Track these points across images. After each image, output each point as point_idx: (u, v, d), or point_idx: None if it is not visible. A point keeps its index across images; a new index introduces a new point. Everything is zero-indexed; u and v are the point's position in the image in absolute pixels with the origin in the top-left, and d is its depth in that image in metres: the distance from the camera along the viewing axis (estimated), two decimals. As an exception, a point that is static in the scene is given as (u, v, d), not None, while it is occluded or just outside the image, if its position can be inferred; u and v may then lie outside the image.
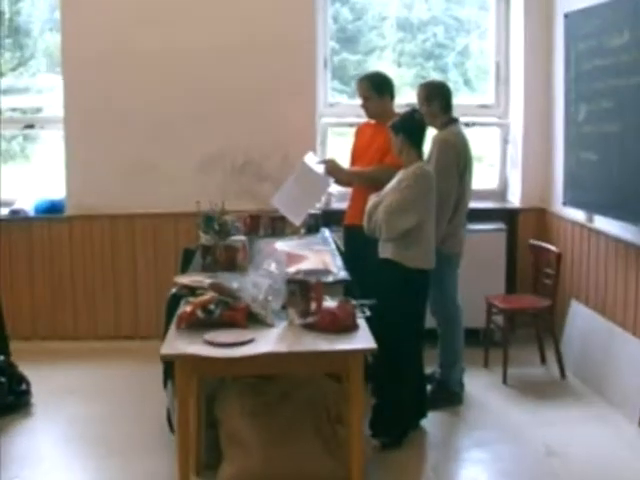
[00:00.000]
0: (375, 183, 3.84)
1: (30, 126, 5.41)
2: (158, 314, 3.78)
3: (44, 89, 5.45)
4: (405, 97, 5.00)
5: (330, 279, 3.36)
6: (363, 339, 2.85)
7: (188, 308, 2.95)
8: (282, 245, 3.87)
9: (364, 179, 4.14)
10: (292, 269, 3.32)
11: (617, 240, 4.17)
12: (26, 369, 4.19)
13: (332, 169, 4.17)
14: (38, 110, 5.47)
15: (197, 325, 2.89)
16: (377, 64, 5.46)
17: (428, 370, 4.02)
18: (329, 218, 4.71)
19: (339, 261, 3.71)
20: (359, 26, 5.60)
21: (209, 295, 3.00)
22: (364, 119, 4.39)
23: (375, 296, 3.18)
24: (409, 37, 5.62)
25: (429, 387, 4.05)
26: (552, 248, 4.60)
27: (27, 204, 5.24)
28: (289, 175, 4.30)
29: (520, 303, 4.66)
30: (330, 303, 3.00)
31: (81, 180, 5.13)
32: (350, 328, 2.91)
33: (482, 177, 5.21)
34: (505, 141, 5.42)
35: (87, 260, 5.19)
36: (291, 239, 4.15)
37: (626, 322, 4.08)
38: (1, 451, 3.56)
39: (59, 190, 5.23)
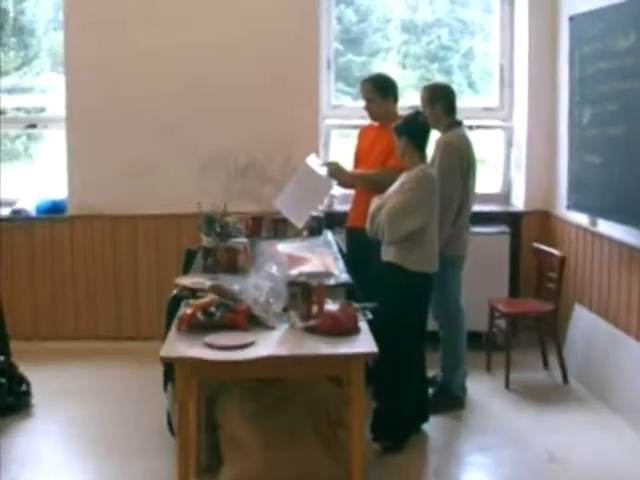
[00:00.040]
0: (378, 186, 3.82)
1: (32, 126, 5.41)
2: (159, 315, 3.76)
3: (48, 89, 5.45)
4: (409, 99, 4.99)
5: (332, 282, 3.34)
6: (364, 343, 2.83)
7: (188, 310, 2.94)
8: (284, 247, 3.85)
9: (367, 182, 4.13)
10: (294, 271, 3.31)
11: (621, 244, 4.15)
12: (27, 369, 4.18)
13: (335, 171, 4.15)
14: (42, 110, 5.47)
15: (197, 327, 2.87)
16: (382, 66, 5.45)
17: (430, 373, 4.01)
18: (332, 220, 4.70)
19: (341, 264, 3.70)
20: (364, 28, 5.59)
21: (210, 297, 2.99)
22: (368, 121, 4.37)
23: (377, 299, 3.16)
24: (414, 39, 5.61)
25: (431, 390, 4.03)
26: (555, 252, 4.57)
27: (29, 204, 5.23)
28: (292, 177, 4.28)
29: (523, 307, 4.64)
30: (332, 306, 2.98)
31: (83, 180, 5.12)
32: (351, 331, 2.89)
33: (486, 180, 5.19)
34: (509, 144, 5.40)
35: (88, 260, 5.18)
36: (293, 241, 4.13)
37: (629, 327, 4.06)
38: (1, 452, 3.56)
39: (62, 190, 5.23)
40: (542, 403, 4.18)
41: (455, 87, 4.37)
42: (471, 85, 5.62)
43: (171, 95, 5.06)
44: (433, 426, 3.84)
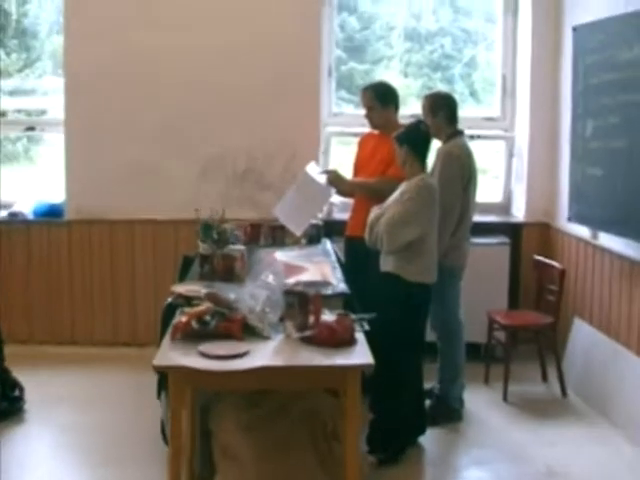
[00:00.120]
0: (377, 195, 3.80)
1: (31, 128, 5.39)
2: (156, 321, 3.71)
3: (49, 91, 5.44)
4: (411, 108, 4.97)
5: (329, 292, 3.30)
6: (361, 354, 2.79)
7: (183, 318, 2.90)
8: (282, 255, 3.82)
9: (366, 190, 4.10)
10: (291, 280, 3.27)
11: (622, 257, 4.12)
12: (21, 374, 4.14)
13: (334, 179, 4.13)
14: (43, 112, 5.46)
15: (192, 336, 2.83)
16: (384, 74, 5.43)
17: (427, 385, 3.97)
18: (330, 229, 4.67)
19: (339, 273, 3.66)
20: (367, 35, 5.57)
21: (205, 305, 2.96)
22: (368, 129, 4.34)
23: (375, 310, 3.13)
24: (416, 47, 5.59)
25: (428, 402, 3.99)
26: (556, 264, 4.54)
27: (26, 207, 5.21)
28: (291, 184, 4.26)
29: (522, 319, 4.60)
30: (328, 316, 2.94)
31: (81, 184, 5.09)
32: (348, 343, 2.85)
33: (486, 190, 5.16)
34: (510, 154, 5.37)
35: (85, 265, 5.15)
36: (292, 249, 4.10)
37: (630, 341, 4.02)
38: (-8, 458, 3.53)
39: (60, 193, 5.20)
40: (540, 417, 4.15)
41: (457, 96, 4.35)
42: (473, 95, 5.60)
43: (170, 100, 5.03)
44: (430, 439, 3.80)
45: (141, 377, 4.20)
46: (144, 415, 3.91)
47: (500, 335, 4.58)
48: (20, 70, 5.54)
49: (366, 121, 4.24)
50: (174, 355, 2.73)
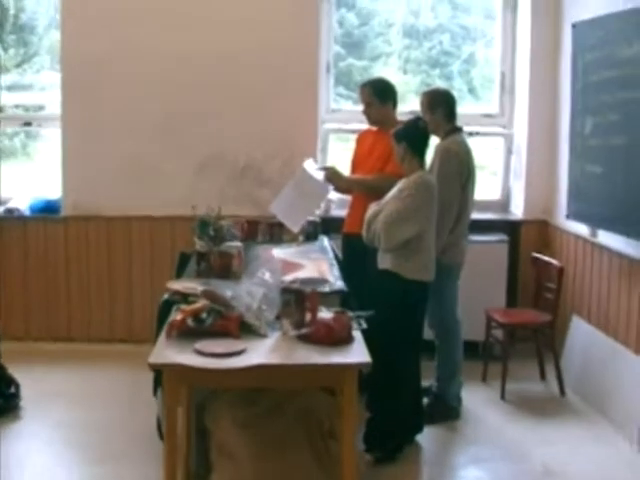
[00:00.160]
0: (375, 191, 3.78)
1: (28, 124, 5.37)
2: (153, 318, 3.69)
3: (47, 86, 5.42)
4: (410, 104, 4.95)
5: (326, 289, 3.28)
6: (358, 352, 2.77)
7: (179, 316, 2.88)
8: (279, 252, 3.80)
9: (364, 187, 4.08)
10: (288, 277, 3.26)
11: (621, 255, 4.10)
12: (17, 370, 4.13)
13: (332, 176, 4.11)
14: (40, 108, 5.44)
15: (188, 334, 2.82)
16: (382, 70, 5.42)
17: (425, 383, 3.95)
18: (328, 225, 4.65)
19: (336, 270, 3.65)
20: (365, 32, 5.55)
21: (201, 303, 2.93)
22: (366, 125, 4.32)
23: (373, 307, 3.11)
24: (415, 44, 5.57)
25: (426, 400, 3.98)
26: (554, 262, 4.53)
27: (22, 203, 5.18)
28: (289, 181, 4.23)
29: (520, 318, 4.58)
30: (326, 314, 2.92)
31: (78, 180, 5.07)
32: (345, 341, 2.83)
33: (485, 188, 5.14)
34: (509, 151, 5.35)
35: (82, 261, 5.13)
36: (289, 246, 4.08)
37: (628, 340, 4.01)
38: (-13, 455, 3.51)
39: (57, 189, 5.17)
40: (538, 415, 4.13)
41: (455, 93, 4.33)
42: (472, 91, 5.58)
43: (168, 96, 5.01)
44: (427, 437, 3.79)
45: (137, 374, 4.16)
46: (140, 412, 3.89)
47: (498, 333, 4.56)
48: (18, 65, 5.52)
49: (364, 117, 4.22)
50: (170, 353, 2.71)
